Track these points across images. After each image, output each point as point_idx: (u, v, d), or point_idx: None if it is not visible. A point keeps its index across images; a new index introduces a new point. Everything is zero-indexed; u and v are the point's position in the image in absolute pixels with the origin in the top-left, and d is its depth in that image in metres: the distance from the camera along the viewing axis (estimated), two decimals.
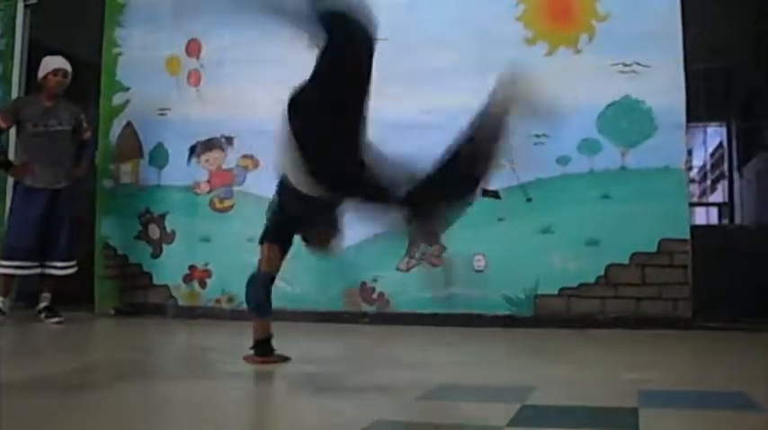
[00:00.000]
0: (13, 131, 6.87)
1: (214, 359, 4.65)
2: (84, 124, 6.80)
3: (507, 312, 6.30)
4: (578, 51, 6.40)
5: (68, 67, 6.67)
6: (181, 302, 7.10)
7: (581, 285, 6.20)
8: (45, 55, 6.79)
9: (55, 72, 6.64)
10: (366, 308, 6.55)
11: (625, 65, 6.25)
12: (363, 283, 6.58)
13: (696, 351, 5.20)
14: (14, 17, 7.82)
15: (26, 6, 7.90)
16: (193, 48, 7.30)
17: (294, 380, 3.80)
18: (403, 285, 6.48)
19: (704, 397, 3.15)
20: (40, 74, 6.69)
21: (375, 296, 6.57)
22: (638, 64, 6.24)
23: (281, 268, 4.36)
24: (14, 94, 7.59)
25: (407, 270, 6.54)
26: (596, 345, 5.36)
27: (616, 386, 3.43)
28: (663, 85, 6.17)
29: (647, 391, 3.14)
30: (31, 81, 7.21)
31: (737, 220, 10.71)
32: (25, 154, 6.64)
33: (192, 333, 6.30)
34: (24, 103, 6.88)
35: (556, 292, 6.24)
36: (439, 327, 6.06)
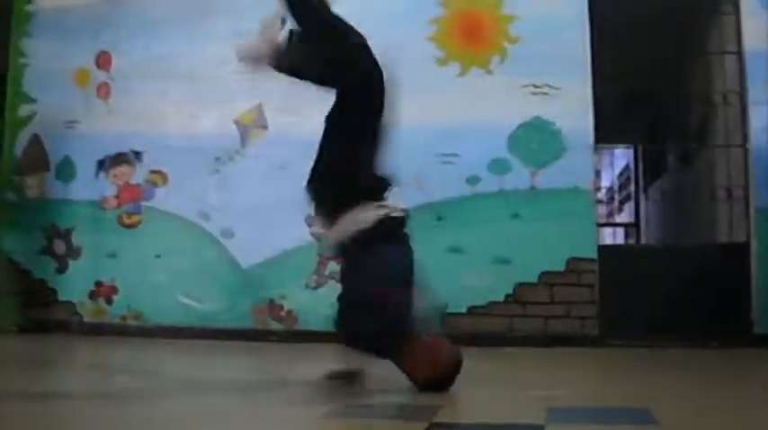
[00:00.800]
0: None
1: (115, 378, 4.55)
2: None
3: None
4: (490, 72, 6.48)
5: None
6: (86, 319, 6.95)
7: (490, 304, 6.24)
8: None
9: None
10: (274, 325, 6.50)
11: (536, 86, 6.34)
12: (272, 301, 6.54)
13: (603, 368, 5.26)
14: None
15: None
16: (104, 60, 7.18)
17: (199, 400, 3.74)
18: (312, 303, 6.44)
19: (609, 413, 3.18)
20: None
21: (284, 313, 6.52)
22: (549, 86, 6.34)
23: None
24: None
25: (316, 288, 6.52)
26: (505, 363, 5.39)
27: (524, 403, 3.44)
28: (572, 106, 6.28)
29: (554, 408, 3.16)
30: None
31: (643, 240, 10.91)
32: None
33: (97, 350, 6.17)
34: None
35: (465, 311, 6.27)
36: None
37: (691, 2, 7.19)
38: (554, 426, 2.78)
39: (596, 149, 6.57)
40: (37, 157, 7.28)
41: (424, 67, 6.51)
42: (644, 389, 4.02)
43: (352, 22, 6.58)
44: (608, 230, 12.36)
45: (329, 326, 6.04)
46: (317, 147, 4.03)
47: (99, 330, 6.83)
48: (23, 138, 7.29)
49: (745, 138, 6.35)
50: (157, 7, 7.14)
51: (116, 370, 4.93)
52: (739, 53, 6.46)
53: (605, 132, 6.84)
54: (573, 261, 6.19)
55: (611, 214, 13.14)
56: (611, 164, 12.59)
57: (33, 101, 7.29)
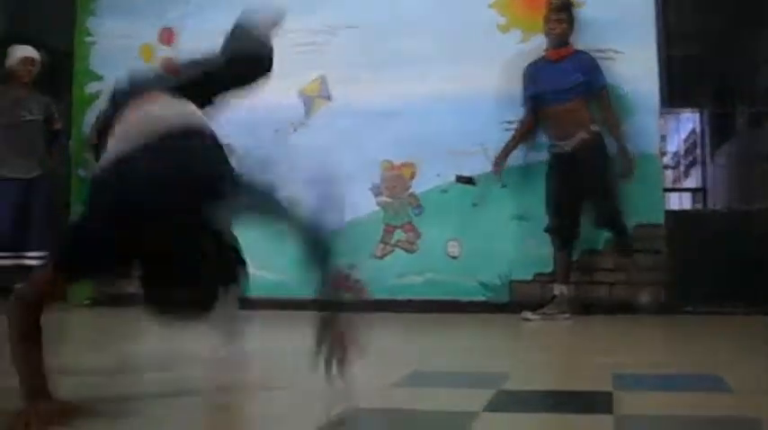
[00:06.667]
0: None
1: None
2: (56, 115, 6.76)
3: (482, 298, 6.32)
4: None
5: (36, 55, 6.63)
6: None
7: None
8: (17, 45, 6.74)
9: (23, 61, 6.60)
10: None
11: (600, 51, 6.25)
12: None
13: (670, 335, 5.23)
14: None
15: None
16: (167, 36, 7.25)
17: (266, 368, 3.78)
18: (379, 272, 6.48)
19: (678, 380, 3.17)
20: (8, 64, 6.64)
21: (351, 283, 6.56)
22: (613, 50, 6.26)
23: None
24: None
25: (383, 257, 6.56)
26: (571, 330, 5.39)
27: (591, 370, 3.44)
28: (637, 71, 6.21)
29: (621, 375, 3.15)
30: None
31: (710, 205, 10.77)
32: None
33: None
34: None
35: (531, 278, 6.27)
36: (415, 314, 6.06)
37: None
38: (622, 393, 2.78)
39: (662, 114, 6.50)
40: None
41: (487, 35, 6.48)
42: (712, 356, 4.00)
43: None
44: (675, 195, 12.18)
45: (397, 295, 6.10)
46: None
47: None
48: (92, 115, 7.40)
49: None
50: None
51: (184, 340, 5.00)
52: None
53: (671, 96, 6.76)
54: (640, 227, 6.14)
55: (677, 179, 12.95)
56: (678, 128, 12.39)
57: (100, 78, 7.40)
